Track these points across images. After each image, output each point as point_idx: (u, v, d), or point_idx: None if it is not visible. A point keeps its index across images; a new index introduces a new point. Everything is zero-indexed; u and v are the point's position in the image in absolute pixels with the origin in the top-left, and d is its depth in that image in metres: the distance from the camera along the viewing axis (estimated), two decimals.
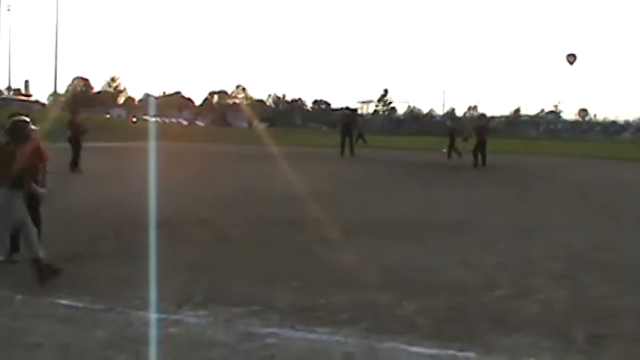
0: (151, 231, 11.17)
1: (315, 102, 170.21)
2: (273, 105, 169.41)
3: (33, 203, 9.84)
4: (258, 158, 35.19)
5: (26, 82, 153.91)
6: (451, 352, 6.51)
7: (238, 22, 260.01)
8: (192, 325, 7.23)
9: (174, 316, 7.46)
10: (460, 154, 38.59)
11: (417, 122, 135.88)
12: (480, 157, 33.90)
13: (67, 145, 26.90)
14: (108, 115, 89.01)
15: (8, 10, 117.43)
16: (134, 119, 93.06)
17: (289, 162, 28.25)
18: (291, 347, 6.58)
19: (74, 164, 26.50)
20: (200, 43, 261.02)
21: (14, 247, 9.93)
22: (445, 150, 39.52)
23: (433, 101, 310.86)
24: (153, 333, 6.87)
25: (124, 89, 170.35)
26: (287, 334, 6.94)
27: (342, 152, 39.73)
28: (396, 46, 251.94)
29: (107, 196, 16.97)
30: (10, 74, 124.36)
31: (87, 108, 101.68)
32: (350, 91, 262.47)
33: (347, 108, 48.30)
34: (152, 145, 25.28)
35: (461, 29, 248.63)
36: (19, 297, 8.21)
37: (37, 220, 9.84)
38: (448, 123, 58.82)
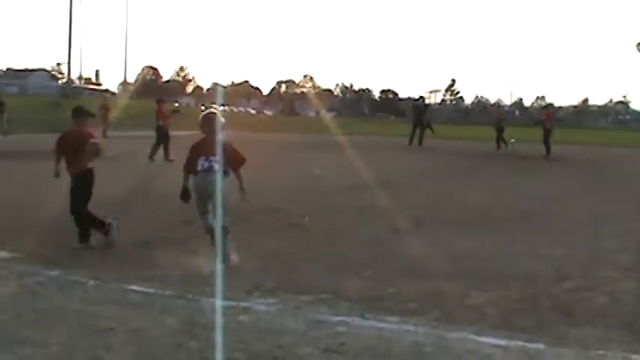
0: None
1: (383, 91, 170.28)
2: (340, 94, 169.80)
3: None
4: (326, 147, 35.23)
5: (97, 71, 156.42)
6: (520, 342, 6.44)
7: (306, 11, 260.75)
8: (261, 312, 7.25)
9: (243, 304, 7.49)
10: (506, 144, 38.33)
11: (485, 112, 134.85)
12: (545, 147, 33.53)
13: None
14: (176, 104, 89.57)
15: (80, 0, 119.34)
16: (202, 107, 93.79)
17: (357, 151, 28.24)
18: (360, 336, 6.55)
19: (151, 154, 26.84)
20: (268, 33, 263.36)
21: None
22: (513, 140, 39.10)
23: (501, 91, 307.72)
24: (223, 320, 6.92)
25: (193, 78, 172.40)
26: (356, 323, 6.91)
27: (411, 141, 39.64)
28: (465, 35, 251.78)
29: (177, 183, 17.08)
30: (82, 63, 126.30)
31: (156, 97, 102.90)
32: (417, 80, 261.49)
33: (420, 98, 47.91)
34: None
35: (530, 19, 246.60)
36: (91, 282, 8.33)
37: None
38: (494, 111, 57.56)
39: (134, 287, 8.09)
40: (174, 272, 8.90)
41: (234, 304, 7.47)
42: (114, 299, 7.65)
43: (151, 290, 7.99)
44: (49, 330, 6.63)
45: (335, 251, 10.53)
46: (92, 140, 10.48)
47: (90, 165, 10.33)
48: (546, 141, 33.53)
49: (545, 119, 35.67)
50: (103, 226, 10.48)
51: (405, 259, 9.92)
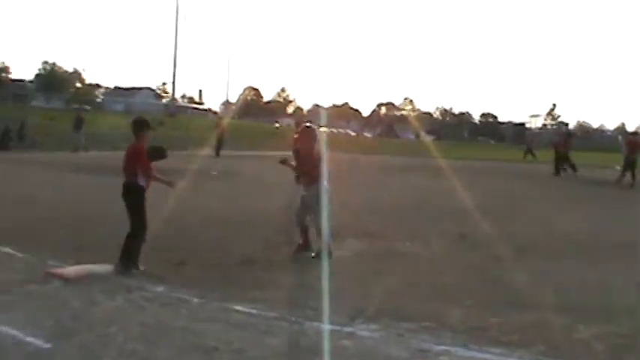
0: (324, 240, 11.29)
1: (483, 115, 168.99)
2: (440, 117, 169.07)
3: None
4: (425, 171, 35.12)
5: (200, 91, 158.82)
6: None
7: (406, 34, 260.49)
8: (364, 338, 7.25)
9: (346, 329, 7.50)
10: (575, 169, 37.05)
11: (587, 137, 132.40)
12: (629, 174, 31.36)
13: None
14: (277, 125, 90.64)
15: (185, 20, 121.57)
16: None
17: (457, 175, 28.06)
18: None
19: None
20: (369, 55, 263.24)
21: None
22: (618, 167, 37.84)
23: (604, 116, 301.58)
24: (326, 344, 6.95)
25: (293, 99, 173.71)
26: (459, 353, 6.87)
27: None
28: (566, 59, 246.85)
29: (279, 203, 17.19)
30: (186, 83, 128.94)
31: (257, 117, 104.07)
32: (518, 104, 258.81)
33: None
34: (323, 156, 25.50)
35: (634, 42, 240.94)
36: (195, 300, 8.46)
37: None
38: (556, 137, 55.49)
39: (238, 307, 8.18)
40: (277, 294, 8.97)
41: (338, 328, 7.49)
42: (218, 318, 7.76)
43: (255, 311, 8.06)
44: (155, 345, 6.78)
45: (436, 278, 10.43)
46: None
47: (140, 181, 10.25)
48: (626, 167, 31.67)
49: (628, 144, 32.84)
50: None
51: (507, 288, 9.80)
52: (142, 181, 10.01)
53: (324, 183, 11.30)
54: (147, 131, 10.25)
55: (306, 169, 11.49)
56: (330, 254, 10.76)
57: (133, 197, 10.01)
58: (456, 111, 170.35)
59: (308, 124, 11.99)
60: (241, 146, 50.33)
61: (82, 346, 6.72)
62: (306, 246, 11.45)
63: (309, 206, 11.30)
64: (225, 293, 8.84)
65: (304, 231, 11.46)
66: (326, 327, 7.49)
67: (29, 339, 6.83)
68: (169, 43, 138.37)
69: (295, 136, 11.71)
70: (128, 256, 9.86)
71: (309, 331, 7.37)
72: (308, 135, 11.74)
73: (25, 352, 6.54)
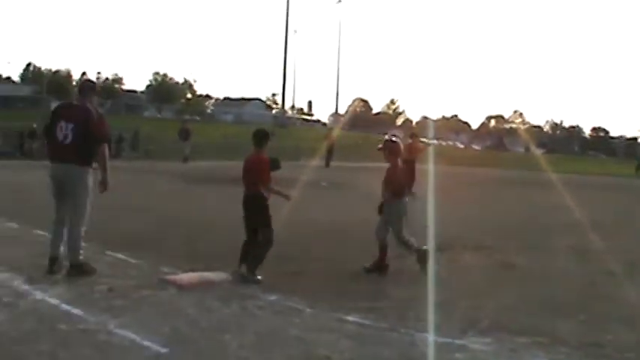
0: (431, 254, 11.27)
1: (594, 129, 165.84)
2: (550, 131, 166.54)
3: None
4: (536, 184, 34.68)
5: (309, 102, 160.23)
6: None
7: (518, 47, 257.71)
8: (476, 351, 7.22)
9: (458, 341, 7.48)
10: None
11: None
12: None
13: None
14: (386, 136, 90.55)
15: (295, 32, 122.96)
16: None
17: (568, 189, 27.62)
18: None
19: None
20: (479, 68, 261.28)
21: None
22: None
23: None
24: (437, 356, 6.96)
25: (403, 111, 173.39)
26: None
27: None
28: None
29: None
30: (295, 94, 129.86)
31: (366, 128, 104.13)
32: (630, 118, 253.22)
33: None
34: (431, 167, 25.42)
35: None
36: (308, 310, 8.55)
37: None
38: None
39: (350, 318, 8.22)
40: (389, 305, 8.98)
41: (450, 340, 7.48)
42: (330, 328, 7.81)
43: (366, 322, 8.09)
44: (268, 353, 6.89)
45: (549, 292, 10.30)
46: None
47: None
48: None
49: None
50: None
51: (621, 304, 9.61)
52: (264, 192, 10.21)
53: (405, 199, 11.25)
54: (267, 142, 10.49)
55: (389, 184, 11.35)
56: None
57: (259, 208, 10.22)
58: (567, 124, 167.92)
59: (393, 138, 11.80)
60: (350, 157, 50.47)
61: (197, 352, 6.86)
62: (381, 263, 11.16)
63: (390, 222, 11.23)
64: (337, 303, 8.89)
65: (383, 248, 11.25)
66: (437, 339, 7.50)
67: (146, 343, 7.00)
68: (279, 55, 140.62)
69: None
70: (255, 265, 10.05)
71: (420, 343, 7.37)
72: (390, 149, 11.58)
73: (144, 356, 6.71)
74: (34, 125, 42.95)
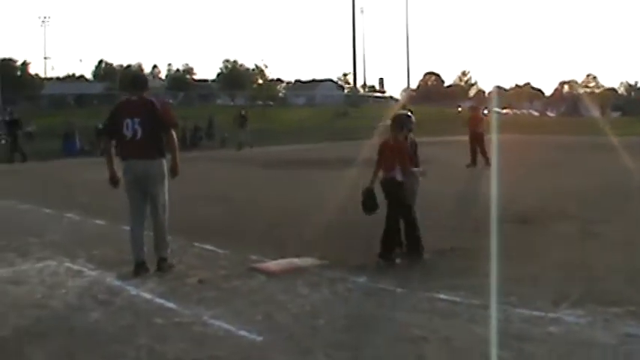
0: (503, 225, 11.21)
1: None
2: (625, 93, 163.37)
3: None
4: (613, 149, 34.05)
5: (380, 79, 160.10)
6: None
7: (586, 10, 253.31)
8: (570, 324, 7.17)
9: (551, 314, 7.44)
10: None
11: None
12: None
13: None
14: (459, 109, 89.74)
15: (361, 12, 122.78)
16: (484, 112, 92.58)
17: None
18: None
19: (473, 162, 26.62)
20: (549, 34, 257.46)
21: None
22: None
23: None
24: (533, 331, 6.94)
25: (475, 82, 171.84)
26: None
27: None
28: None
29: (468, 190, 17.10)
30: (366, 72, 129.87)
31: (438, 102, 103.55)
32: None
33: None
34: (506, 137, 25.16)
35: None
36: (398, 290, 8.59)
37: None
38: None
39: (441, 296, 8.24)
40: (478, 281, 8.92)
41: (542, 314, 7.45)
42: (422, 308, 7.84)
43: (458, 299, 8.11)
44: (362, 335, 6.94)
45: (636, 261, 10.18)
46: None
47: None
48: None
49: None
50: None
51: None
52: (399, 176, 10.35)
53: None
54: (406, 127, 10.72)
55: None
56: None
57: (399, 192, 10.42)
58: None
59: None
60: (424, 132, 50.18)
61: (291, 338, 6.95)
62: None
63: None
64: (426, 282, 8.93)
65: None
66: (531, 313, 7.49)
67: (242, 332, 7.12)
68: (348, 35, 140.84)
69: None
70: (418, 244, 10.37)
71: (514, 319, 7.35)
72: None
73: (240, 345, 6.82)
74: (100, 126, 43.64)
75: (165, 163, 9.98)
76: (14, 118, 37.64)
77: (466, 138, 27.38)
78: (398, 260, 10.31)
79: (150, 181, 9.86)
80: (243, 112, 44.77)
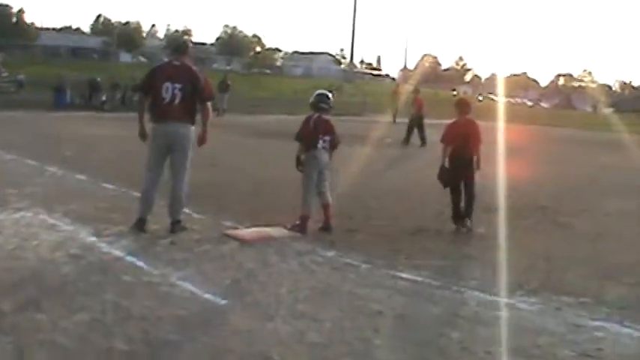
0: (493, 213, 11.46)
1: None
2: (619, 90, 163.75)
3: None
4: (602, 145, 34.28)
5: (378, 57, 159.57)
6: None
7: (585, 6, 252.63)
8: (522, 310, 7.42)
9: (506, 300, 7.69)
10: None
11: None
12: None
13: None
14: (454, 92, 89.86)
15: None
16: (480, 98, 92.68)
17: (635, 151, 27.38)
18: (618, 342, 6.61)
19: (407, 140, 28.45)
20: (548, 26, 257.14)
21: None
22: None
23: None
24: (486, 314, 7.18)
25: (471, 68, 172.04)
26: (615, 329, 6.94)
27: None
28: None
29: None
30: (364, 49, 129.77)
31: (434, 84, 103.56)
32: None
33: None
34: (498, 125, 25.24)
35: None
36: (363, 266, 8.81)
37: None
38: None
39: (404, 274, 8.47)
40: (443, 263, 9.21)
41: (497, 299, 7.70)
42: (384, 284, 8.06)
43: (419, 279, 8.33)
44: (323, 307, 7.15)
45: (600, 254, 10.45)
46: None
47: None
48: None
49: None
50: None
51: None
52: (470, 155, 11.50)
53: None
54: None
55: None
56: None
57: (469, 168, 11.52)
58: (636, 84, 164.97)
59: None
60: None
61: (255, 304, 7.15)
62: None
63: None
64: (392, 260, 9.14)
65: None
66: (486, 297, 7.73)
67: (207, 295, 7.33)
68: (348, 10, 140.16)
69: None
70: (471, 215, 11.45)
71: (470, 301, 7.59)
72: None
73: (203, 307, 7.05)
74: (98, 79, 43.60)
75: (193, 130, 10.16)
76: None
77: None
78: (468, 225, 11.29)
79: (178, 144, 10.01)
80: (227, 79, 44.29)
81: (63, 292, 7.21)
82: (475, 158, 11.48)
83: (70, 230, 9.85)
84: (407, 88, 42.20)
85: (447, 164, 11.43)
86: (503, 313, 7.25)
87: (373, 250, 9.70)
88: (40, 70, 53.76)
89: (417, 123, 29.01)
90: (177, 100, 9.88)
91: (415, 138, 28.26)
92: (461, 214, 11.38)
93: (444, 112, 27.29)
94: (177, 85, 9.87)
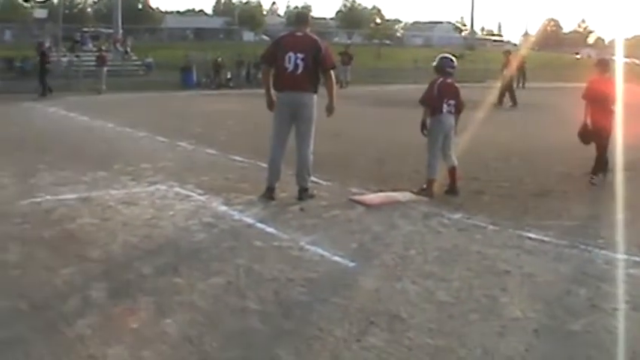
0: (618, 173, 11.27)
1: None
2: None
3: None
4: None
5: (499, 24, 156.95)
6: None
7: None
8: None
9: (635, 258, 7.60)
10: None
11: None
12: None
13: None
14: (578, 55, 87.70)
15: None
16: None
17: None
18: None
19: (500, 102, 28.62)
20: None
21: None
22: None
23: None
24: (614, 272, 7.13)
25: (593, 30, 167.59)
26: None
27: None
28: None
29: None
30: (485, 16, 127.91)
31: (556, 48, 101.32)
32: None
33: None
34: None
35: None
36: (490, 227, 8.83)
37: None
38: None
39: (531, 235, 8.45)
40: (570, 223, 9.17)
41: (626, 257, 7.61)
42: (511, 244, 8.07)
43: (547, 238, 8.30)
44: (450, 267, 7.21)
45: None
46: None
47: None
48: None
49: None
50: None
51: None
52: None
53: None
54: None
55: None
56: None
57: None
58: None
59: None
60: (541, 78, 49.29)
61: (383, 265, 7.28)
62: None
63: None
64: (519, 221, 9.13)
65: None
66: (614, 256, 7.67)
67: (335, 258, 7.48)
68: None
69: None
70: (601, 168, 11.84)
71: (598, 260, 7.54)
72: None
73: (333, 269, 7.21)
74: (219, 59, 44.30)
75: (316, 99, 10.31)
76: (42, 51, 35.74)
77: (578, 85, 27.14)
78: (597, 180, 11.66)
79: (302, 113, 10.20)
80: (348, 51, 44.14)
81: (198, 257, 7.47)
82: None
83: (203, 200, 10.18)
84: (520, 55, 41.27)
85: (589, 122, 11.39)
86: (632, 271, 7.18)
87: (500, 211, 9.73)
88: (166, 53, 54.82)
89: (509, 85, 29.43)
90: (299, 70, 10.01)
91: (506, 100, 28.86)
92: (600, 165, 11.72)
93: (566, 76, 27.00)
94: (300, 55, 10.00)
